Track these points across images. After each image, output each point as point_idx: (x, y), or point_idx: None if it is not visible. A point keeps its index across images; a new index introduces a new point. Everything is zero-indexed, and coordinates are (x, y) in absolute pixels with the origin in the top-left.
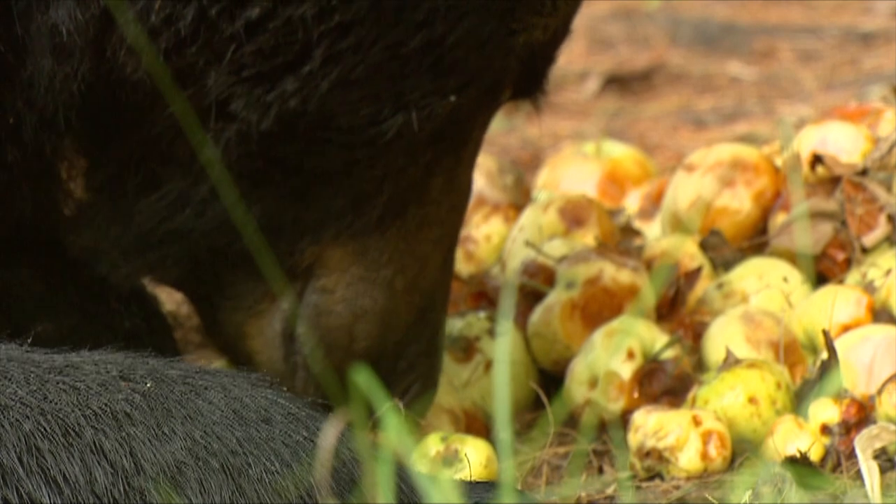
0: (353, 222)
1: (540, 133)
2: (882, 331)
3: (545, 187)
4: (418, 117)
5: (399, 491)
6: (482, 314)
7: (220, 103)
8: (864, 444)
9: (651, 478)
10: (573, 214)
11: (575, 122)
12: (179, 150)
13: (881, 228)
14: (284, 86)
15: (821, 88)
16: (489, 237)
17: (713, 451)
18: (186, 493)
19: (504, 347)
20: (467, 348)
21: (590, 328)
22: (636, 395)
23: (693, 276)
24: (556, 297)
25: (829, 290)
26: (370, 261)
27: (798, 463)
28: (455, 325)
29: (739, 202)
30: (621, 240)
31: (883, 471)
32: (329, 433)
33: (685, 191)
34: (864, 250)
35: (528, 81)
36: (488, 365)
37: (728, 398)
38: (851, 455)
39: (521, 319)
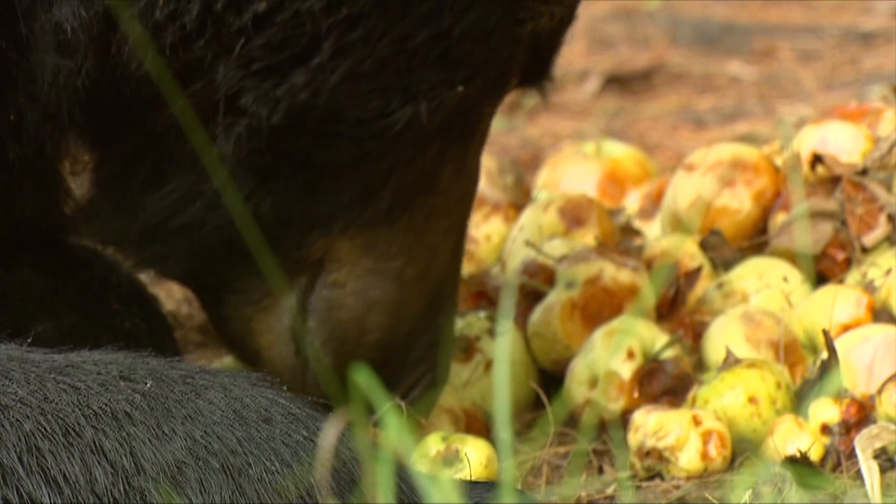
0: (362, 214)
1: (540, 133)
2: (882, 331)
3: (545, 187)
4: (427, 109)
5: (399, 491)
6: (482, 314)
7: (230, 97)
8: (864, 444)
9: (651, 477)
10: (573, 214)
11: (575, 122)
12: (187, 146)
13: (881, 228)
14: (294, 79)
15: (821, 88)
16: (489, 237)
17: (713, 450)
18: (186, 492)
19: (504, 347)
20: (467, 348)
21: (590, 328)
22: (636, 394)
23: (693, 275)
24: (556, 297)
25: (829, 289)
26: (380, 253)
27: (798, 463)
28: (455, 324)
29: (739, 202)
30: (621, 240)
31: (883, 470)
32: (329, 433)
33: (685, 191)
34: (864, 250)
35: (534, 69)
36: (488, 365)
37: (728, 398)
38: (851, 455)
39: (521, 319)
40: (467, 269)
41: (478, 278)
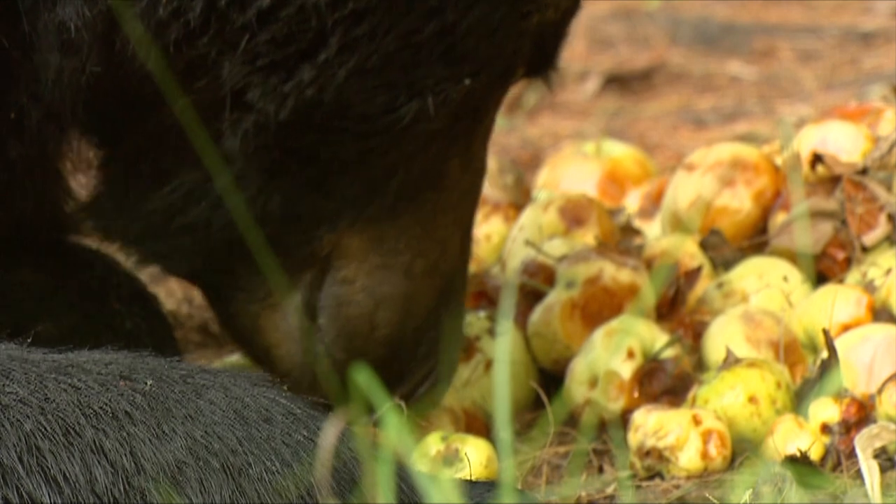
0: (369, 208)
1: (540, 133)
2: (882, 330)
3: (545, 187)
4: (433, 103)
5: (399, 491)
6: (482, 314)
7: (236, 93)
8: (865, 444)
9: (651, 477)
10: (573, 214)
11: (575, 121)
12: (192, 144)
13: (881, 228)
14: (301, 75)
15: (821, 88)
16: (489, 236)
17: (713, 450)
18: (187, 492)
19: (504, 347)
20: (467, 348)
21: (590, 328)
22: (636, 394)
23: (693, 275)
24: (556, 297)
25: (829, 289)
26: (388, 248)
27: (798, 462)
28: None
29: (739, 202)
30: (621, 239)
31: (883, 470)
32: (329, 433)
33: (685, 190)
34: (865, 250)
35: (540, 60)
36: (488, 364)
37: (728, 398)
38: (851, 454)
39: (521, 319)
40: None
41: (478, 278)
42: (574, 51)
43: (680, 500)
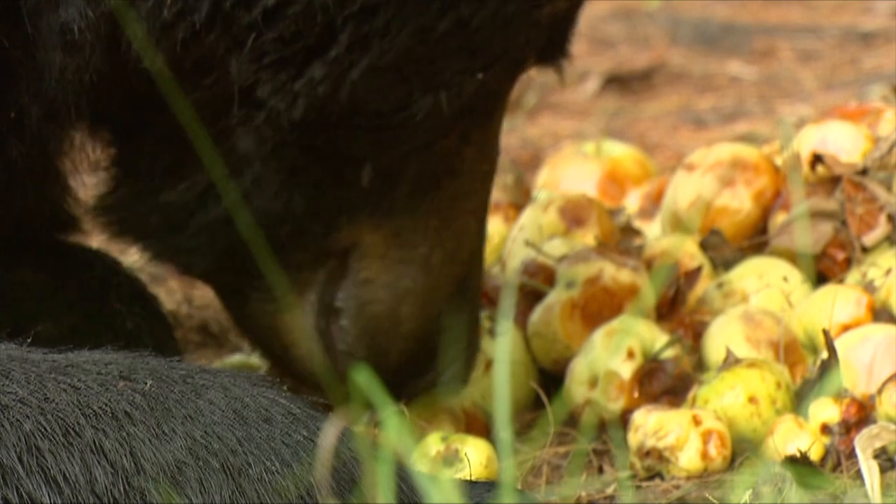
0: (385, 201)
1: (540, 133)
2: (882, 331)
3: (545, 187)
4: (447, 97)
5: (399, 491)
6: (482, 314)
7: (245, 90)
8: (864, 444)
9: (651, 477)
10: (573, 214)
11: (575, 121)
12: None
13: (881, 228)
14: (312, 72)
15: (821, 88)
16: (489, 237)
17: (713, 450)
18: (186, 492)
19: (504, 347)
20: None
21: (590, 328)
22: (636, 394)
23: (693, 275)
24: (556, 297)
25: (829, 289)
26: (406, 241)
27: (798, 462)
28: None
29: (739, 202)
30: (621, 239)
31: (883, 470)
32: (329, 433)
33: (685, 190)
34: (865, 250)
35: (551, 47)
36: (488, 365)
37: (728, 398)
38: (851, 455)
39: (521, 319)
40: None
41: None
42: (574, 51)
43: (680, 501)
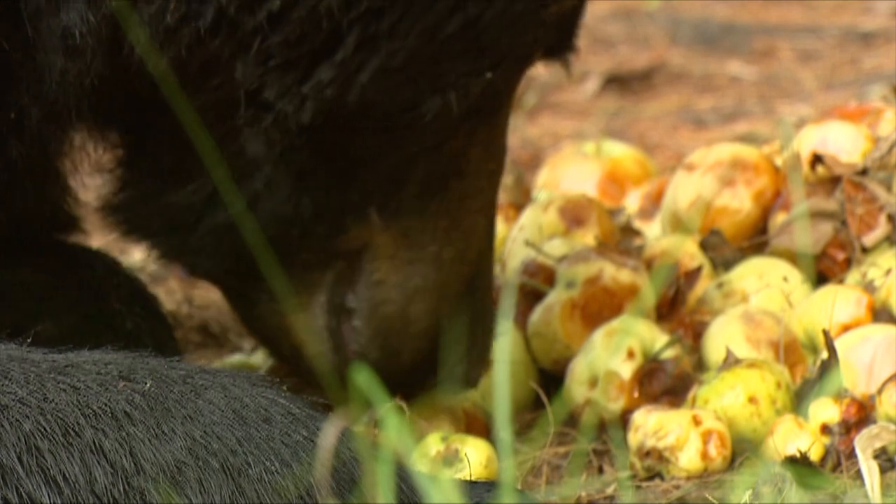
0: (393, 202)
1: (540, 133)
2: (882, 331)
3: (545, 187)
4: (456, 97)
5: (399, 491)
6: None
7: (252, 92)
8: (864, 444)
9: (651, 477)
10: (573, 214)
11: (575, 121)
12: (208, 145)
13: (881, 228)
14: (319, 75)
15: (821, 88)
16: None
17: (713, 450)
18: (186, 492)
19: (504, 347)
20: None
21: (590, 328)
22: (636, 394)
23: (693, 275)
24: (556, 297)
25: (829, 289)
26: (416, 240)
27: (798, 463)
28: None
29: (739, 202)
30: (621, 239)
31: (883, 471)
32: (329, 433)
33: (685, 190)
34: (865, 250)
35: (557, 43)
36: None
37: (728, 398)
38: (851, 455)
39: (521, 319)
40: None
41: None
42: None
43: (680, 501)
